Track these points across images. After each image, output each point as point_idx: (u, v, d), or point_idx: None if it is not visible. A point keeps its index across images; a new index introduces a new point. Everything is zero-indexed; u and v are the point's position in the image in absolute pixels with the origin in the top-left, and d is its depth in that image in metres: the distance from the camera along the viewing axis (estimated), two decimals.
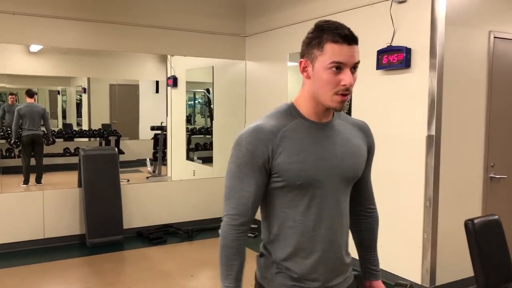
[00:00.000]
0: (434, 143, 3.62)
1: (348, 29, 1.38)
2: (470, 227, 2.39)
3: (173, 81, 7.64)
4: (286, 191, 1.43)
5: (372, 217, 1.69)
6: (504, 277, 2.45)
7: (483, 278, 2.36)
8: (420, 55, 3.69)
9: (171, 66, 7.53)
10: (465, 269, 3.94)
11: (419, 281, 3.74)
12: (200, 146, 7.72)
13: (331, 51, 1.35)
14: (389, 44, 3.89)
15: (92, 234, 4.93)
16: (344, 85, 1.36)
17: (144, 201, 5.51)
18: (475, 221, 2.41)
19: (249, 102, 6.01)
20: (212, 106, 7.84)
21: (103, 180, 5.08)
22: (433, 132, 3.62)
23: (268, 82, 5.59)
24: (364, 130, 1.60)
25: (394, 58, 3.84)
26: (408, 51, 3.75)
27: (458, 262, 3.92)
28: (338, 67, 1.35)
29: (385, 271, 3.60)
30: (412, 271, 3.79)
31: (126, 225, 5.22)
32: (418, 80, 3.72)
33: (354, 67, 1.38)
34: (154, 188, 5.75)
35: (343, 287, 1.56)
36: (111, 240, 5.00)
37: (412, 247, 3.79)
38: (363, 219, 1.69)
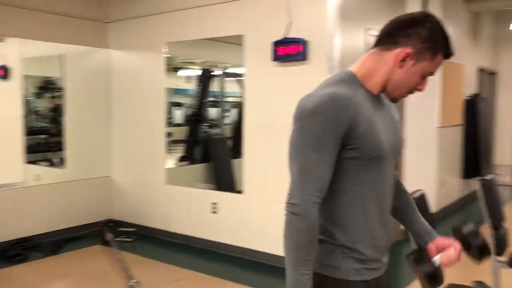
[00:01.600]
0: None
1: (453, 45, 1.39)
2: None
3: (4, 72, 6.50)
4: (356, 164, 1.33)
5: (400, 189, 1.61)
6: None
7: None
8: (317, 47, 3.84)
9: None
10: None
11: None
12: (53, 146, 6.66)
13: (437, 64, 1.36)
14: (285, 36, 3.96)
15: None
16: (419, 89, 1.39)
17: None
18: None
19: (116, 96, 5.46)
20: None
21: None
22: None
23: (142, 73, 5.16)
24: (394, 106, 1.59)
25: (292, 50, 3.92)
26: (305, 43, 3.87)
27: None
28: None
29: None
30: None
31: None
32: (315, 72, 3.86)
33: None
34: (2, 197, 4.80)
35: (385, 267, 1.51)
36: None
37: None
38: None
